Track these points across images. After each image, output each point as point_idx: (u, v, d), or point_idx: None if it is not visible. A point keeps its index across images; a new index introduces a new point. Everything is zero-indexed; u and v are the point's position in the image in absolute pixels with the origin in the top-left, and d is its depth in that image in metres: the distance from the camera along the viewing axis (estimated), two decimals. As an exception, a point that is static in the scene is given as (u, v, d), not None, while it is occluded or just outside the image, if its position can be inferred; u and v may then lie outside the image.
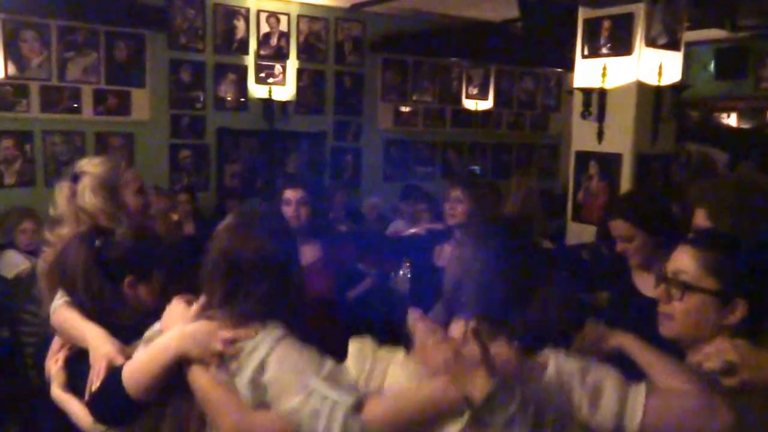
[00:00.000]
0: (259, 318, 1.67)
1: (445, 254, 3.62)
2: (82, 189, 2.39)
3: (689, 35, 5.40)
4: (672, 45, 5.08)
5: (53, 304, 2.04)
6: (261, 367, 1.60)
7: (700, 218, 2.22)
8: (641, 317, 2.11)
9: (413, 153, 8.60)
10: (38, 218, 4.64)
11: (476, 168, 9.12)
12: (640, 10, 4.93)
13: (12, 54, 6.11)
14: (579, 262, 3.83)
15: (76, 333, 1.96)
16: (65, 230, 2.33)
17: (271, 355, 1.60)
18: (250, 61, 7.34)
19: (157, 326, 1.80)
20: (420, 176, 8.40)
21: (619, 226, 2.71)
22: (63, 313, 1.99)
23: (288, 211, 3.34)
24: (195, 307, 1.72)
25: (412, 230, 4.30)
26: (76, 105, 6.44)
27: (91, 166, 2.47)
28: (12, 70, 6.11)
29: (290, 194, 3.41)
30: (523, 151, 9.54)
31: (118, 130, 6.70)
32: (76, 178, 2.42)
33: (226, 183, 7.36)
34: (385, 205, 6.91)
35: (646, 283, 2.65)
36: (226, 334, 1.64)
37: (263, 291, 1.66)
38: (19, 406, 3.94)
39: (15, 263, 4.50)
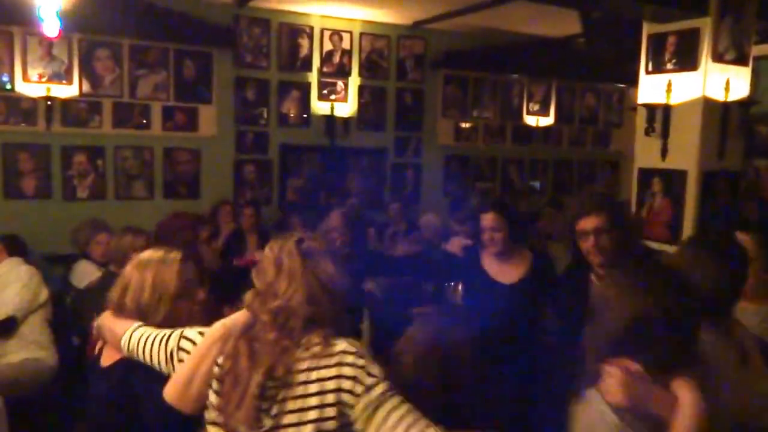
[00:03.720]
0: None
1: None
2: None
3: (758, 49, 5.26)
4: (740, 60, 4.97)
5: None
6: None
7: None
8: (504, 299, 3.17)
9: (473, 169, 8.61)
10: (111, 231, 4.81)
11: (536, 184, 9.06)
12: (706, 26, 4.84)
13: (86, 72, 6.39)
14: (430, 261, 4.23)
15: None
16: (276, 303, 1.79)
17: None
18: (313, 78, 7.48)
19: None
20: (480, 192, 8.39)
21: (489, 218, 3.34)
22: None
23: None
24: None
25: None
26: (145, 121, 6.68)
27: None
28: (86, 87, 6.40)
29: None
30: (585, 168, 9.47)
31: (186, 145, 6.91)
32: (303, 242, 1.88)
33: (289, 197, 7.50)
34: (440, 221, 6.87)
35: (499, 271, 3.38)
36: None
37: None
38: (88, 415, 4.06)
39: (87, 273, 4.67)
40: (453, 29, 7.93)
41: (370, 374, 1.71)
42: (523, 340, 3.24)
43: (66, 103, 6.31)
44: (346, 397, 1.70)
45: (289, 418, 1.71)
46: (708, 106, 4.89)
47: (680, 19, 4.96)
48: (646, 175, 5.29)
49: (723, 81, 4.88)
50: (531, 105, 8.88)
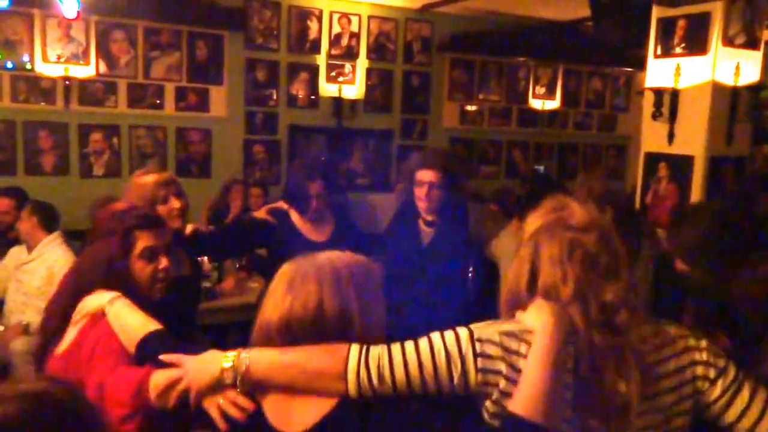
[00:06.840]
0: None
1: None
2: None
3: (768, 33, 5.29)
4: (751, 44, 4.98)
5: None
6: None
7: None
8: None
9: (478, 152, 8.69)
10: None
11: (541, 168, 9.13)
12: (716, 9, 4.83)
13: (103, 53, 6.49)
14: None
15: None
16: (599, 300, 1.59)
17: None
18: (321, 60, 7.54)
19: None
20: (485, 175, 8.49)
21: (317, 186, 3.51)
22: None
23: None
24: None
25: None
26: (159, 101, 6.78)
27: None
28: (103, 68, 6.51)
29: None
30: (590, 152, 9.51)
31: (197, 125, 7.01)
32: None
33: (297, 178, 7.55)
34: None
35: (310, 230, 3.49)
36: None
37: None
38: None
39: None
40: (460, 12, 7.96)
41: (718, 355, 1.56)
42: None
43: (83, 83, 6.42)
44: (700, 384, 1.54)
45: (640, 422, 1.48)
46: (717, 90, 4.87)
47: (690, 2, 4.95)
48: (653, 159, 5.28)
49: (733, 65, 4.89)
50: (537, 88, 8.93)
